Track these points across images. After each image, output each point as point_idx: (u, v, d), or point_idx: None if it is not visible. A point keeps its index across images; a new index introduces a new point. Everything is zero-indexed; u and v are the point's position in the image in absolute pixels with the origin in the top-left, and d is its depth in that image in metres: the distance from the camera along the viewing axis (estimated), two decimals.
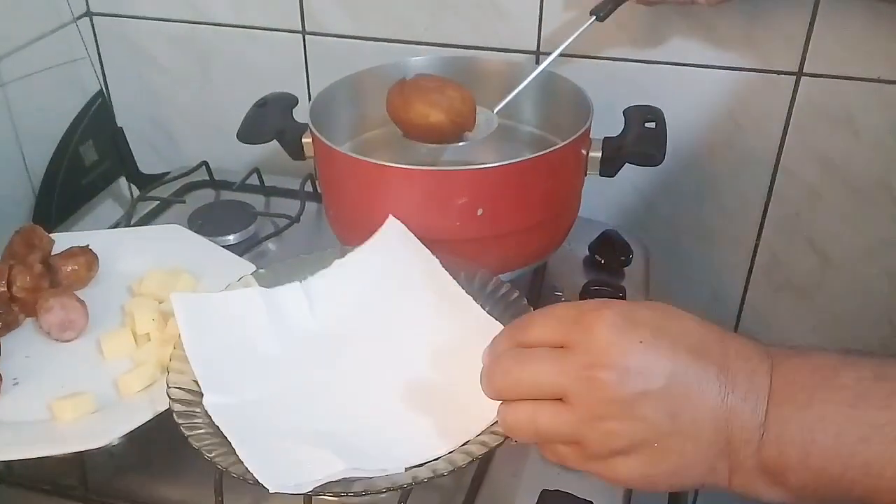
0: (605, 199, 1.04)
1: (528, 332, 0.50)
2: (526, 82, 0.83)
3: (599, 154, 0.79)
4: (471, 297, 0.69)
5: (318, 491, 0.54)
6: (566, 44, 0.83)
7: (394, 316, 0.69)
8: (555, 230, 0.81)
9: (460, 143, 0.80)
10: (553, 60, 0.84)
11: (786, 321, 1.10)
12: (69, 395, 0.66)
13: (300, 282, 0.72)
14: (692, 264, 1.09)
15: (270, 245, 0.93)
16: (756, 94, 0.96)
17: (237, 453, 0.56)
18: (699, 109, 0.98)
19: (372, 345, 0.68)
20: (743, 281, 1.09)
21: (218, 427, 0.59)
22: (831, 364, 0.46)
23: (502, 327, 0.64)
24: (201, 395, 0.62)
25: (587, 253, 0.92)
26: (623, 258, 0.90)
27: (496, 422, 0.58)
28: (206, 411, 0.60)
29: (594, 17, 0.83)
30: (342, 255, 0.73)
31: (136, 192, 1.12)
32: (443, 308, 0.69)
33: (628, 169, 0.79)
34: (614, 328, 0.46)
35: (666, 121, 0.82)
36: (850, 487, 0.43)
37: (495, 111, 0.83)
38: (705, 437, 0.45)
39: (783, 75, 0.94)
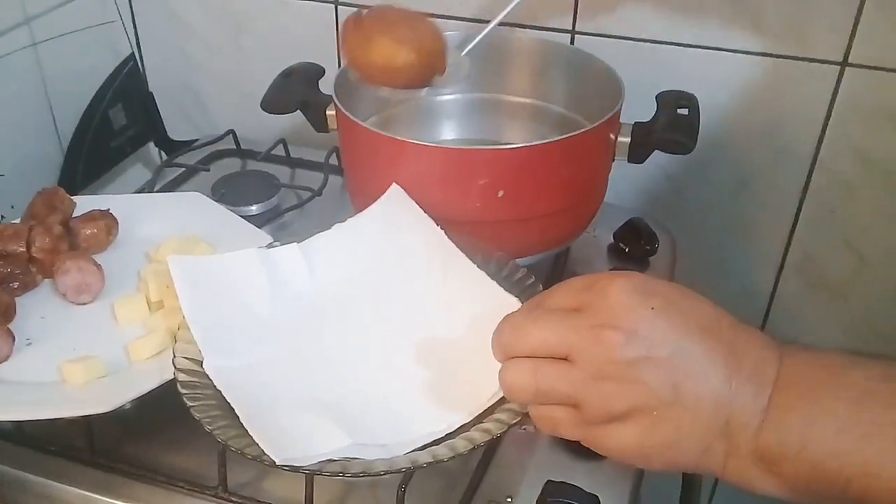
0: (633, 185, 1.02)
1: (545, 300, 0.50)
2: (496, 21, 0.75)
3: (628, 139, 0.77)
4: (473, 265, 0.67)
5: (317, 470, 0.54)
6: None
7: (393, 282, 0.68)
8: (578, 216, 0.79)
9: (425, 89, 0.71)
10: (588, 40, 0.81)
11: (816, 320, 1.07)
12: (79, 358, 0.67)
13: (298, 243, 0.70)
14: (721, 256, 1.06)
15: (292, 217, 0.93)
16: (797, 83, 0.92)
17: (242, 422, 0.56)
18: (737, 97, 0.95)
19: (371, 311, 0.67)
20: (773, 276, 1.06)
21: (222, 396, 0.58)
22: (840, 362, 0.45)
23: (508, 295, 0.64)
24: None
25: (611, 240, 0.90)
26: (648, 247, 0.88)
27: (501, 401, 0.57)
28: (210, 382, 0.60)
29: None
30: (343, 220, 0.72)
31: (164, 157, 1.13)
32: (445, 275, 0.67)
33: (659, 155, 0.77)
34: (628, 293, 0.46)
35: (701, 107, 0.79)
36: (845, 485, 0.42)
37: (463, 53, 0.74)
38: (705, 414, 0.45)
39: (827, 65, 0.90)
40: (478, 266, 0.68)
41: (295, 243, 0.70)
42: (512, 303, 0.63)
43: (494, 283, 0.66)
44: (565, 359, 0.47)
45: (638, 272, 0.49)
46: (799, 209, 1.00)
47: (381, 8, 0.67)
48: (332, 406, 0.59)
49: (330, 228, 0.71)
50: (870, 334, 1.06)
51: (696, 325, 0.46)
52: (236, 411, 0.56)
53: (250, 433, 0.55)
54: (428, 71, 0.68)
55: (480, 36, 0.73)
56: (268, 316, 0.66)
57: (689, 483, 0.85)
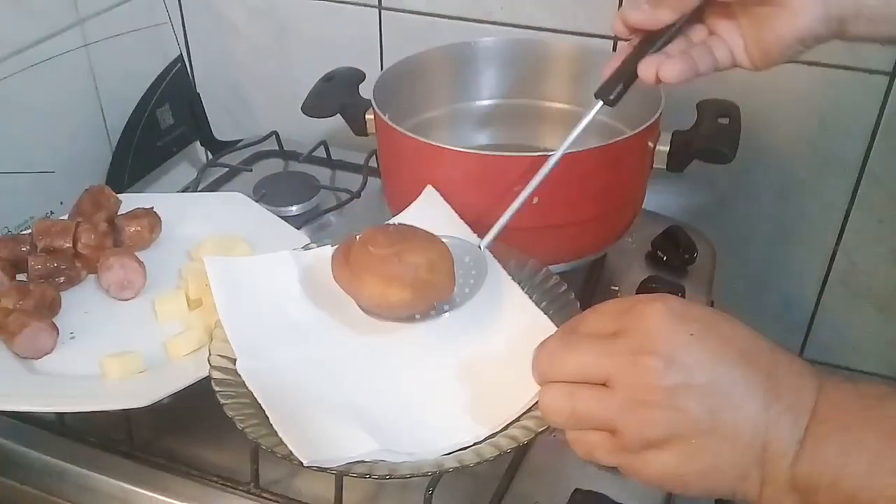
0: (674, 193, 1.01)
1: (580, 325, 0.50)
2: (538, 178, 0.66)
3: (667, 148, 0.76)
4: (509, 277, 0.67)
5: (345, 470, 0.55)
6: (573, 136, 0.66)
7: None
8: (614, 224, 0.79)
9: (437, 317, 0.65)
10: None
11: (861, 333, 1.05)
12: (119, 353, 0.68)
13: (332, 245, 0.70)
14: (764, 267, 1.04)
15: (331, 218, 0.94)
16: (845, 93, 0.90)
17: (271, 423, 0.56)
18: (783, 106, 0.93)
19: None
20: (818, 288, 1.04)
21: (253, 395, 0.59)
22: (879, 394, 0.44)
23: (538, 310, 0.64)
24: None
25: (650, 248, 0.89)
26: (687, 256, 0.87)
27: (532, 414, 0.57)
28: (242, 381, 0.61)
29: (601, 102, 0.64)
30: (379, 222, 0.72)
31: (209, 156, 1.15)
32: (478, 285, 0.67)
33: (700, 163, 0.76)
34: (666, 318, 0.46)
35: (744, 115, 0.78)
36: None
37: (484, 245, 0.67)
38: (742, 442, 0.44)
39: (876, 74, 0.88)
40: (511, 271, 0.68)
41: (329, 245, 0.70)
42: (541, 318, 0.63)
43: (526, 296, 0.66)
44: (603, 384, 0.47)
45: (673, 296, 0.49)
46: (846, 219, 0.98)
47: (371, 234, 0.63)
48: (360, 411, 0.59)
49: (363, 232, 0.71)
50: None
51: (735, 352, 0.45)
52: (266, 412, 0.57)
53: (279, 434, 0.55)
54: (432, 297, 0.63)
55: (500, 225, 0.66)
56: (299, 318, 0.66)
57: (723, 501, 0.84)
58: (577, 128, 0.65)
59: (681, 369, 0.44)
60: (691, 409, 0.44)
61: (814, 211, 0.99)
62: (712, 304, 0.87)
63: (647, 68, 0.61)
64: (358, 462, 0.55)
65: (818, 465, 0.43)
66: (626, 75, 0.62)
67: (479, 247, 0.67)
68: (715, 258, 0.92)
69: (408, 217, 0.72)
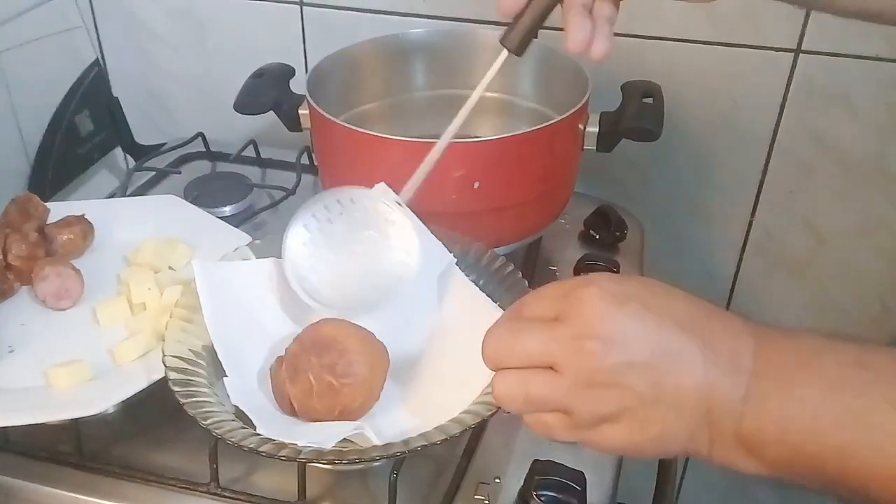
0: (600, 174, 1.04)
1: (523, 310, 0.52)
2: (427, 165, 0.66)
3: (597, 129, 0.79)
4: (458, 267, 0.69)
5: (312, 457, 0.55)
6: (479, 90, 0.65)
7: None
8: (551, 204, 0.81)
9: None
10: (552, 35, 0.82)
11: (778, 299, 1.11)
12: (65, 362, 0.67)
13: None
14: (686, 240, 1.09)
15: (266, 217, 0.93)
16: (754, 70, 0.96)
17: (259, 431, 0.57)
18: (697, 86, 0.98)
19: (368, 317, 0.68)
20: (736, 258, 1.09)
21: (214, 393, 0.60)
22: (815, 347, 0.47)
23: (486, 298, 0.66)
24: (198, 363, 0.62)
25: (582, 228, 0.92)
26: (618, 233, 0.91)
27: (488, 392, 0.59)
28: (203, 379, 0.61)
29: (506, 51, 0.62)
30: None
31: (132, 163, 1.12)
32: (436, 282, 0.69)
33: (624, 144, 0.80)
34: (602, 301, 0.47)
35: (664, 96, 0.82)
36: (823, 466, 0.45)
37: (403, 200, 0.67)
38: (687, 407, 0.47)
39: (782, 52, 0.94)
40: (457, 256, 0.70)
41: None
42: (497, 314, 0.64)
43: (475, 285, 0.68)
44: (551, 367, 0.49)
45: (609, 273, 0.51)
46: (759, 191, 1.03)
47: (300, 344, 0.61)
48: None
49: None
50: (828, 309, 1.10)
51: (672, 323, 0.47)
52: (254, 422, 0.58)
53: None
54: (362, 408, 0.61)
55: (415, 182, 0.66)
56: (279, 329, 0.67)
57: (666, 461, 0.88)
58: (486, 76, 0.63)
59: (621, 349, 0.46)
60: (635, 384, 0.46)
61: (730, 184, 1.04)
62: None
63: (577, 38, 0.58)
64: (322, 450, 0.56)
65: (763, 422, 0.46)
66: (529, 24, 0.60)
67: (399, 202, 0.67)
68: (643, 235, 0.96)
69: None
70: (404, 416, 0.61)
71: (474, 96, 0.64)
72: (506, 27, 0.61)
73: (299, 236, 0.67)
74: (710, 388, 0.46)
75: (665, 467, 0.88)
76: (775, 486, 1.29)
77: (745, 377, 0.46)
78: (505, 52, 0.62)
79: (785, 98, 0.96)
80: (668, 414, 0.47)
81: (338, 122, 0.75)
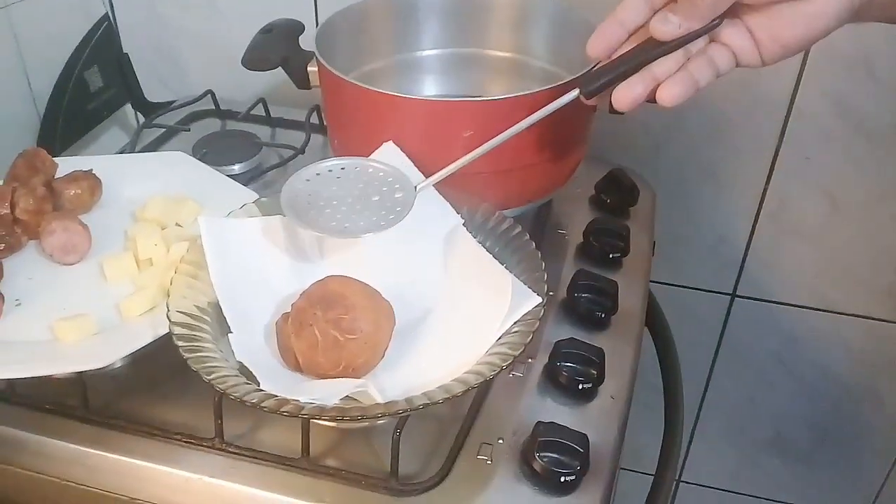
0: (614, 138, 1.03)
1: None
2: (462, 161, 0.66)
3: None
4: (465, 228, 0.69)
5: (315, 414, 0.55)
6: (540, 115, 0.64)
7: (396, 248, 0.69)
8: (561, 167, 0.80)
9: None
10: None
11: (791, 266, 1.10)
12: (71, 316, 0.67)
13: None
14: (699, 206, 1.08)
15: (275, 176, 0.93)
16: None
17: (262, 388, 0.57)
18: None
19: (375, 276, 0.68)
20: (750, 224, 1.08)
21: (219, 349, 0.60)
22: None
23: (493, 260, 0.66)
24: (203, 319, 0.63)
25: (593, 192, 0.91)
26: (630, 198, 0.89)
27: (492, 352, 0.59)
28: (208, 334, 0.61)
29: (577, 91, 0.62)
30: None
31: (142, 120, 1.12)
32: (444, 243, 0.68)
33: (637, 108, 0.78)
34: None
35: None
36: None
37: (419, 187, 0.66)
38: None
39: None
40: (464, 217, 0.69)
41: None
42: (504, 276, 0.64)
43: (490, 255, 0.67)
44: None
45: None
46: (775, 157, 1.02)
47: (307, 299, 0.61)
48: None
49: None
50: (841, 277, 1.08)
51: None
52: (258, 379, 0.58)
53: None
54: (366, 365, 0.62)
55: (442, 174, 0.67)
56: (285, 286, 0.67)
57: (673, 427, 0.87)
58: (546, 108, 0.63)
59: None
60: None
61: (745, 150, 1.02)
62: (654, 245, 0.90)
63: (624, 95, 0.57)
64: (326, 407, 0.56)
65: None
66: (614, 75, 0.58)
67: (415, 187, 0.66)
68: (655, 200, 0.94)
69: None
70: (409, 376, 0.61)
71: (523, 125, 0.63)
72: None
73: (302, 176, 0.67)
74: None
75: (671, 433, 0.87)
76: (782, 455, 1.29)
77: None
78: (575, 92, 0.61)
79: (804, 62, 0.94)
80: None
81: (347, 79, 0.73)
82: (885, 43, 0.90)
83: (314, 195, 0.66)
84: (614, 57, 0.59)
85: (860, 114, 0.96)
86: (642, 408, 0.84)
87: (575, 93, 0.61)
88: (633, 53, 0.58)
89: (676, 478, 1.36)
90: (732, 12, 0.56)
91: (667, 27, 0.56)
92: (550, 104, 0.63)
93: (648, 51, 0.58)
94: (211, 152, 0.93)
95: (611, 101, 0.59)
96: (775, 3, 0.55)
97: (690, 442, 1.31)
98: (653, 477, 0.79)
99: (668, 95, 0.57)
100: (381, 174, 0.67)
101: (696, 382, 1.24)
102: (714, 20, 0.56)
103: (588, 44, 0.59)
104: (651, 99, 0.58)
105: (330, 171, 0.68)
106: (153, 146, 0.98)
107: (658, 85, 0.58)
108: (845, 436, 1.24)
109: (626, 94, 0.58)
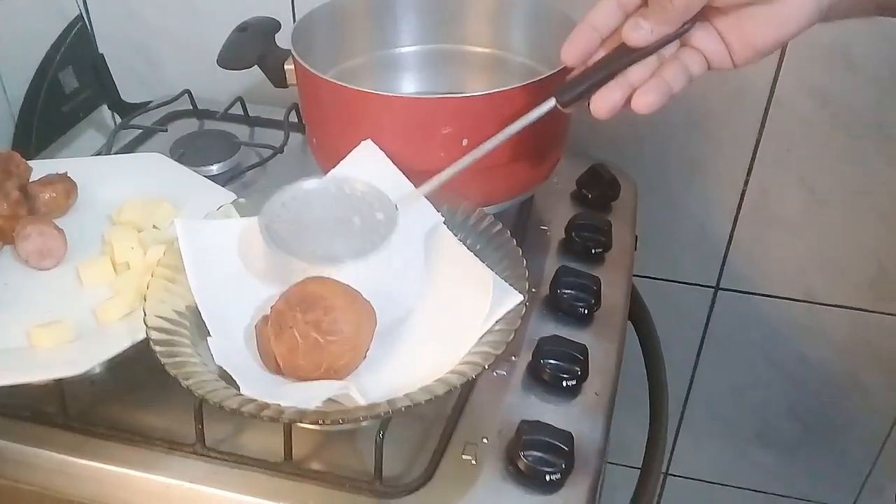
0: (594, 133, 1.02)
1: None
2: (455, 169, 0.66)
3: None
4: (445, 226, 0.68)
5: (296, 418, 0.55)
6: (517, 127, 0.64)
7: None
8: (541, 163, 0.80)
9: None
10: None
11: (774, 258, 1.10)
12: (47, 322, 0.66)
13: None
14: (681, 199, 1.08)
15: (254, 175, 0.92)
16: None
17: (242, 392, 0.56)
18: None
19: (355, 277, 0.67)
20: (732, 217, 1.08)
21: (198, 353, 0.59)
22: None
23: (474, 258, 0.65)
24: (181, 323, 0.62)
25: (574, 187, 0.91)
26: (611, 193, 0.89)
27: (475, 352, 0.59)
28: (186, 339, 0.60)
29: (554, 101, 0.62)
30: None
31: (118, 121, 1.10)
32: (423, 241, 0.68)
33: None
34: None
35: None
36: None
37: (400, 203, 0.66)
38: None
39: None
40: (444, 215, 0.69)
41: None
42: (485, 274, 0.64)
43: (471, 253, 0.66)
44: None
45: None
46: (755, 149, 1.02)
47: (286, 301, 0.60)
48: None
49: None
50: (824, 269, 1.09)
51: None
52: (238, 383, 0.57)
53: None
54: (347, 367, 0.61)
55: (427, 189, 0.66)
56: (264, 288, 0.66)
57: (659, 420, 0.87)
58: (523, 119, 0.63)
59: None
60: None
61: (726, 142, 1.02)
62: (636, 239, 0.89)
63: (602, 104, 0.58)
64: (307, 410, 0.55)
65: None
66: (590, 84, 0.59)
67: (396, 206, 0.66)
68: (636, 193, 0.94)
69: (344, 170, 0.71)
70: (391, 377, 0.61)
71: (503, 135, 0.63)
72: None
73: (278, 201, 0.66)
74: None
75: (657, 427, 0.87)
76: (769, 447, 1.30)
77: None
78: (552, 102, 0.61)
79: (783, 54, 0.94)
80: None
81: (324, 77, 0.73)
82: (863, 33, 0.91)
83: (293, 222, 0.65)
84: (589, 64, 0.59)
85: (839, 104, 0.96)
86: (628, 402, 0.84)
87: (552, 102, 0.62)
88: (607, 60, 0.59)
89: (663, 471, 1.36)
90: (703, 16, 0.57)
91: (639, 33, 0.56)
92: (527, 115, 0.63)
93: (622, 57, 0.58)
94: (189, 153, 0.92)
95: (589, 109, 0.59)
96: (744, 6, 0.55)
97: (677, 435, 1.31)
98: (639, 471, 0.79)
99: (644, 103, 0.58)
100: (360, 194, 0.67)
101: (681, 376, 1.25)
102: (685, 24, 0.57)
103: (562, 51, 0.59)
104: (628, 105, 0.58)
105: (306, 193, 0.67)
106: (130, 147, 0.96)
107: (634, 91, 0.58)
108: (830, 426, 1.25)
109: (604, 103, 0.58)
